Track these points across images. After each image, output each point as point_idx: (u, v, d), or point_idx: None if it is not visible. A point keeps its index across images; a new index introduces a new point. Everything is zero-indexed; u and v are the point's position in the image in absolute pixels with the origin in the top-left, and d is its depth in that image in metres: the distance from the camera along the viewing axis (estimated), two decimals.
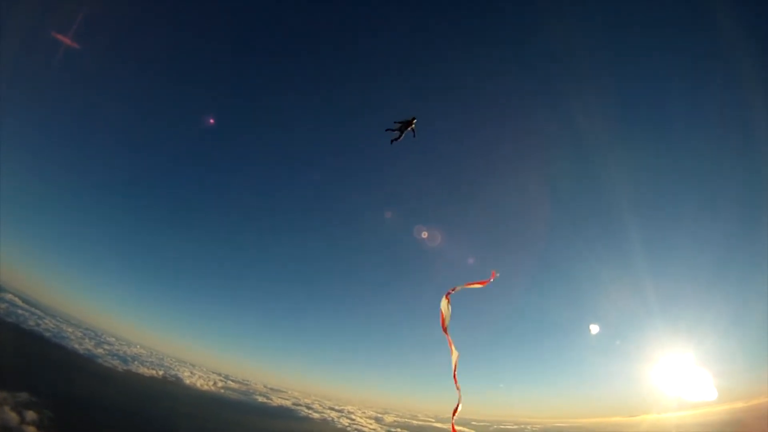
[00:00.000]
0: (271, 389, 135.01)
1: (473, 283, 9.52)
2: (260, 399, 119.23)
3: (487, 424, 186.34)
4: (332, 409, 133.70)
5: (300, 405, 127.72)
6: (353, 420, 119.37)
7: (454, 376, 8.77)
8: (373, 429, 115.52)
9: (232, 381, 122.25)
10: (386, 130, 14.49)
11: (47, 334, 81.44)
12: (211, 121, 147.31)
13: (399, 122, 14.18)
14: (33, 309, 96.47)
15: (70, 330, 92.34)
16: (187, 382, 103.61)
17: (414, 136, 14.80)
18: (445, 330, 9.02)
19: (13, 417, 47.20)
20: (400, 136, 14.49)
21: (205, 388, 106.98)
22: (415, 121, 14.35)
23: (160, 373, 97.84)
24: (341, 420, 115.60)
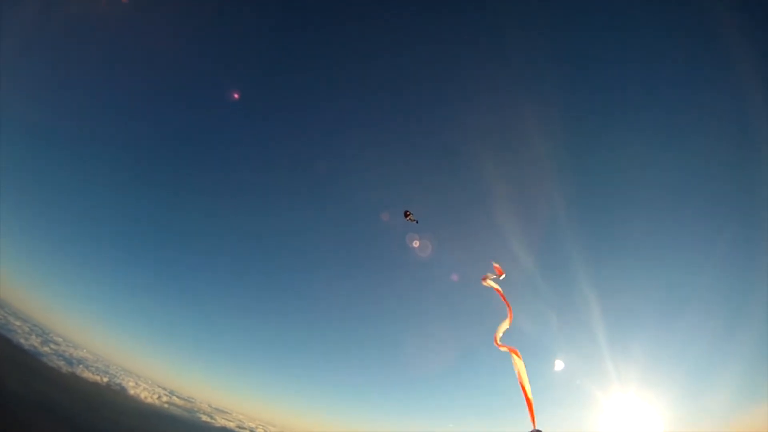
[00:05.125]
0: (216, 409, 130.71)
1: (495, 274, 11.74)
2: (204, 418, 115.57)
3: None
4: None
5: (244, 428, 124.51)
6: None
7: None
8: None
9: (177, 397, 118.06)
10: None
11: None
12: (236, 95, 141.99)
13: (406, 211, 20.41)
14: None
15: (18, 323, 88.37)
16: (131, 392, 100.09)
17: (416, 222, 21.39)
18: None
19: None
20: (413, 219, 21.12)
21: (149, 400, 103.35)
22: (408, 212, 20.45)
23: (105, 379, 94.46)
24: None
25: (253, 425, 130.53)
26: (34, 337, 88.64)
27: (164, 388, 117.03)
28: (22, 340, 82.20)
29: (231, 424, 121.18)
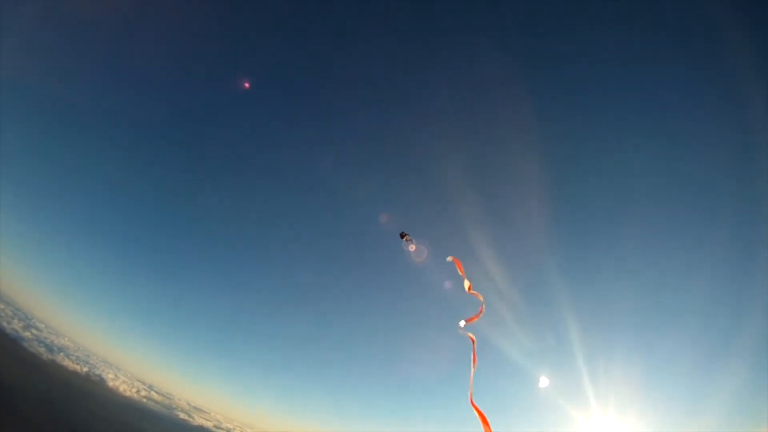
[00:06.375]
0: (194, 407, 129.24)
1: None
2: (182, 415, 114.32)
3: None
4: None
5: (221, 428, 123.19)
6: None
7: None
8: None
9: (156, 392, 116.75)
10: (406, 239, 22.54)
11: None
12: (246, 85, 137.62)
13: (401, 232, 21.83)
14: None
15: (1, 306, 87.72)
16: (110, 384, 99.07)
17: (411, 240, 22.86)
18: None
19: None
20: (410, 239, 22.78)
21: (128, 393, 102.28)
22: (403, 233, 21.95)
23: (85, 369, 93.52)
24: None
25: (230, 426, 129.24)
26: (16, 321, 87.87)
27: (143, 383, 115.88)
28: (4, 324, 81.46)
29: (209, 424, 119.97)
